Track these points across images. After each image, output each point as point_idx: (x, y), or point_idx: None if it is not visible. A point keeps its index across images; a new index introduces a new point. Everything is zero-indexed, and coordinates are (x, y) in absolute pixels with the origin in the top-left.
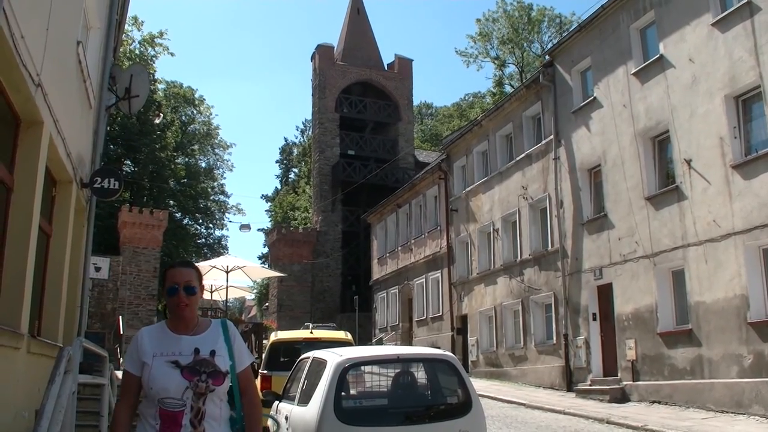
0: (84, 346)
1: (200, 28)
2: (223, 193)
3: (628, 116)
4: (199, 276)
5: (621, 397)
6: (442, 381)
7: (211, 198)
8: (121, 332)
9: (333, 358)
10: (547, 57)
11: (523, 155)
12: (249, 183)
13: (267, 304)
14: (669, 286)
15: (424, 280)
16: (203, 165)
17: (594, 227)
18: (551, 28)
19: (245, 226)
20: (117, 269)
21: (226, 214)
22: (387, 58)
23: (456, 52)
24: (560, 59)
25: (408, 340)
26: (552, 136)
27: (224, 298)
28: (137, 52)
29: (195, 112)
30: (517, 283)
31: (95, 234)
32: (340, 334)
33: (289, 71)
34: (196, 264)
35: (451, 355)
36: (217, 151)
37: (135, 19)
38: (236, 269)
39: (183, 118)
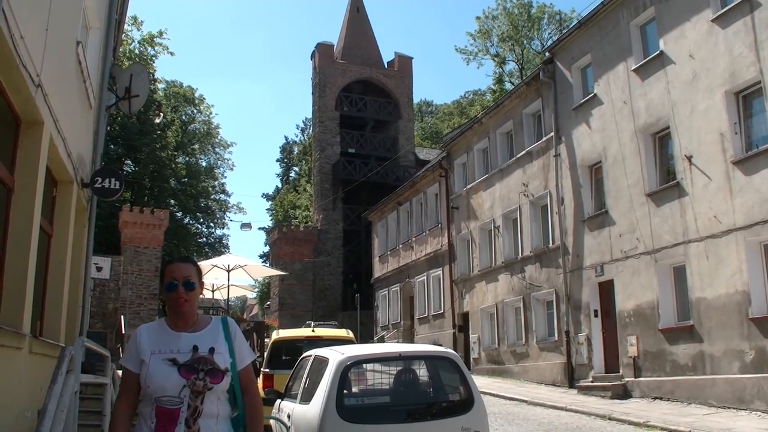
0: (86, 345)
1: (200, 28)
2: (223, 192)
3: (629, 113)
4: (199, 272)
5: (623, 393)
6: (443, 378)
7: (212, 197)
8: (123, 332)
9: (335, 356)
10: (547, 54)
11: (523, 152)
12: (250, 182)
13: (268, 302)
14: (670, 283)
15: (425, 277)
16: (204, 164)
17: (595, 224)
18: (551, 25)
19: (246, 225)
20: (118, 269)
21: (227, 213)
22: (387, 56)
23: (456, 49)
24: (560, 56)
25: (410, 338)
26: (552, 133)
27: (226, 297)
28: (137, 51)
29: (195, 111)
30: (519, 280)
31: (96, 234)
32: (342, 333)
33: (289, 70)
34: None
35: (453, 352)
36: (217, 150)
37: (134, 18)
38: (237, 268)
39: (183, 117)
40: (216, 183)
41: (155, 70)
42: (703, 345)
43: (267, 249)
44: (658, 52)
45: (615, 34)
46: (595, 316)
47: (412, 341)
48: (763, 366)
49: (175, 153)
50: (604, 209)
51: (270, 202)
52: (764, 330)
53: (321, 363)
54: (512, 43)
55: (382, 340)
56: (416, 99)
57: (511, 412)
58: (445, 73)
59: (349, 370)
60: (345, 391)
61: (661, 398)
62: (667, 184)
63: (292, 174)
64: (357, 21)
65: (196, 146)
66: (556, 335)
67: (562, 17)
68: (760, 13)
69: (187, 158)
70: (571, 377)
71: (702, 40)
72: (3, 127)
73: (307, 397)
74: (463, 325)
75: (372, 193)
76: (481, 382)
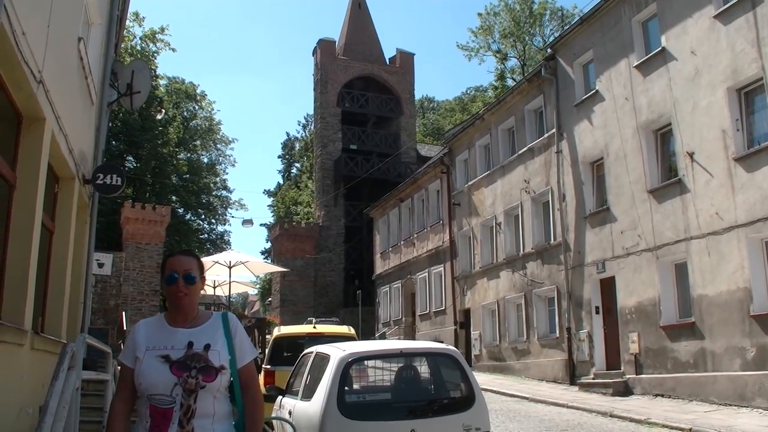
0: (87, 342)
1: (201, 24)
2: (225, 188)
3: (630, 109)
4: (201, 266)
5: (624, 390)
6: (445, 375)
7: (214, 193)
8: (125, 328)
9: (336, 352)
10: (549, 50)
11: (525, 149)
12: (251, 178)
13: (270, 299)
14: (672, 279)
15: (426, 274)
16: (205, 160)
17: (596, 220)
18: (553, 21)
19: (248, 222)
20: (120, 265)
21: (229, 209)
22: (388, 52)
23: (457, 46)
24: (562, 52)
25: (411, 335)
26: (554, 130)
27: (227, 294)
28: (138, 48)
29: (197, 107)
30: (520, 277)
31: (98, 230)
32: (343, 329)
33: (291, 66)
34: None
35: (454, 349)
36: (219, 146)
37: (136, 15)
38: (239, 264)
39: (185, 113)
40: (217, 179)
41: (157, 67)
42: (704, 342)
43: (268, 245)
44: (659, 48)
45: (617, 31)
46: (597, 312)
47: (413, 338)
48: (764, 363)
49: (177, 149)
50: (605, 206)
51: (271, 199)
52: (766, 327)
53: (322, 360)
54: (514, 39)
55: (383, 336)
56: (418, 95)
57: (512, 409)
58: (447, 70)
59: (350, 366)
60: (346, 388)
61: (662, 395)
62: (668, 181)
63: (294, 170)
64: (359, 17)
65: (198, 142)
66: (557, 332)
67: (564, 13)
68: (762, 9)
69: (189, 154)
70: (572, 374)
71: (704, 36)
72: (5, 124)
73: (308, 394)
74: (464, 321)
75: (373, 190)
76: (482, 379)
